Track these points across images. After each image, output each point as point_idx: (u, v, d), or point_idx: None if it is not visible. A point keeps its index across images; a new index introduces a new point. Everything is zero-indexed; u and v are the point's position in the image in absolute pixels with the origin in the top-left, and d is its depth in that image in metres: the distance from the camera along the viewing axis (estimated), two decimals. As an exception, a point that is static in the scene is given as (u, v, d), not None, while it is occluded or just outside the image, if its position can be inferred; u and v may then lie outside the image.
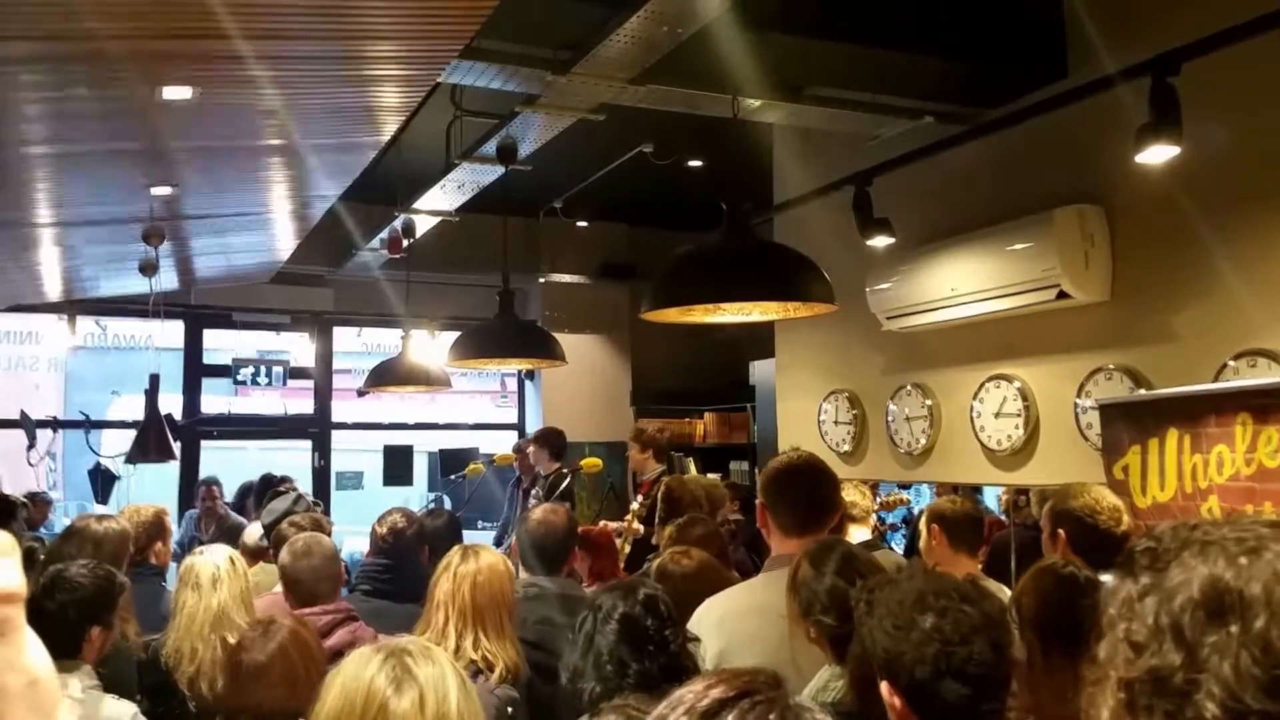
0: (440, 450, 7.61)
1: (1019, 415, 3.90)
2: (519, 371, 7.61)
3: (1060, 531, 2.41)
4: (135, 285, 5.27)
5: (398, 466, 7.44)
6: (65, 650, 2.10)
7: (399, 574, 2.98)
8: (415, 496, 8.54)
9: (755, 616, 2.00)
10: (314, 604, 2.56)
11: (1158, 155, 2.89)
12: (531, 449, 5.70)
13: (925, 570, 1.55)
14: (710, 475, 5.21)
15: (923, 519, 3.00)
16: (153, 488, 6.69)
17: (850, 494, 3.22)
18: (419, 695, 1.28)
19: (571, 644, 1.75)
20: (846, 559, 1.83)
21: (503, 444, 7.01)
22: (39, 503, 5.86)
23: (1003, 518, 4.80)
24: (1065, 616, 1.89)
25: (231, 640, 2.60)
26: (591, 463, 5.12)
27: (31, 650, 0.55)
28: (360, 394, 6.86)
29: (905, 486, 5.18)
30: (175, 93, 2.67)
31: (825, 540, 1.91)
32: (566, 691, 1.73)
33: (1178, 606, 0.62)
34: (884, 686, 1.35)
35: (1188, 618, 0.61)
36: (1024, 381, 3.92)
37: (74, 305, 6.36)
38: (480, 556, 2.30)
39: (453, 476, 6.63)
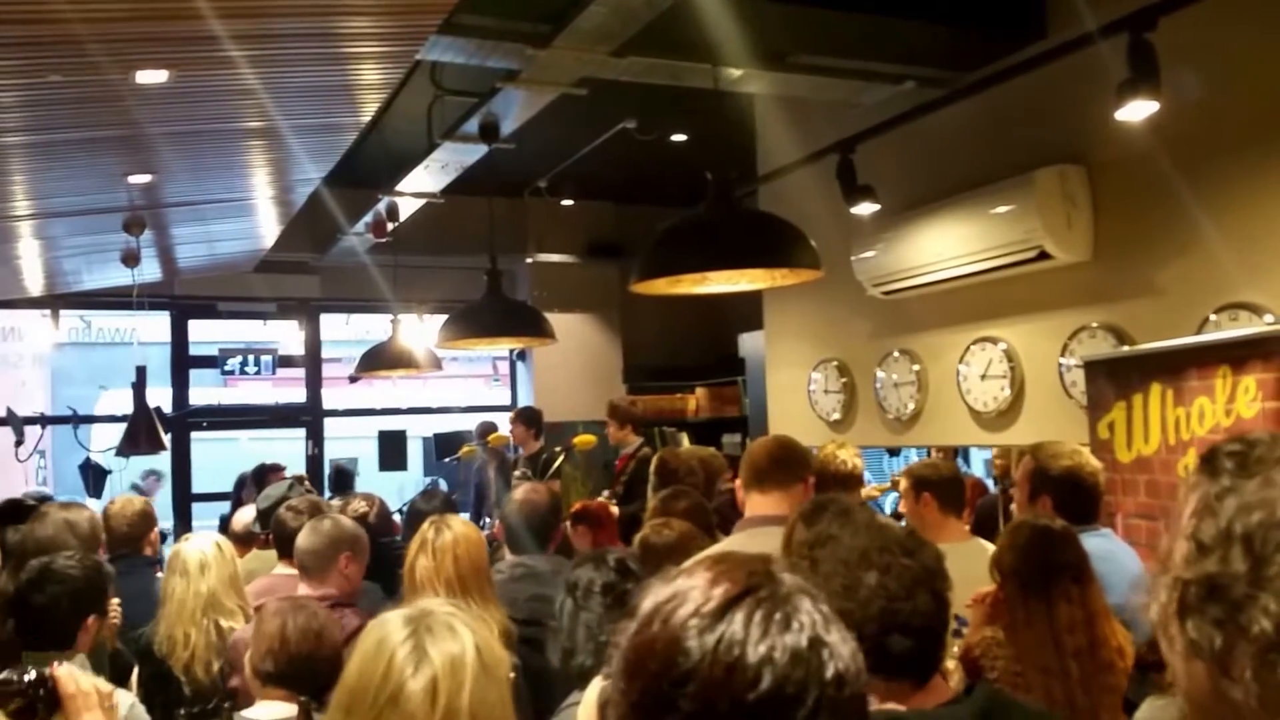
0: (435, 434, 7.61)
1: (1005, 377, 3.93)
2: (510, 352, 7.60)
3: (1045, 497, 2.42)
4: (118, 277, 5.23)
5: (392, 451, 7.44)
6: (59, 641, 2.11)
7: (372, 557, 3.01)
8: (411, 481, 8.55)
9: None
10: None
11: (1137, 112, 2.89)
12: (514, 429, 5.72)
13: (867, 523, 1.54)
14: (705, 447, 5.23)
15: (902, 483, 3.00)
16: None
17: (843, 454, 3.20)
18: (432, 680, 1.23)
19: (555, 628, 1.76)
20: (841, 515, 1.83)
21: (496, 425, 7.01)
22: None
23: (989, 482, 4.84)
24: (1041, 567, 1.93)
25: (225, 624, 2.63)
26: (585, 439, 5.14)
27: None
28: (352, 380, 6.85)
29: (894, 453, 5.21)
30: (150, 76, 2.64)
31: (819, 498, 1.91)
32: (559, 673, 1.75)
33: (1255, 520, 0.61)
34: None
35: (1265, 533, 0.60)
36: (1009, 343, 3.96)
37: (56, 300, 6.30)
38: (454, 527, 2.32)
39: (447, 459, 6.64)
